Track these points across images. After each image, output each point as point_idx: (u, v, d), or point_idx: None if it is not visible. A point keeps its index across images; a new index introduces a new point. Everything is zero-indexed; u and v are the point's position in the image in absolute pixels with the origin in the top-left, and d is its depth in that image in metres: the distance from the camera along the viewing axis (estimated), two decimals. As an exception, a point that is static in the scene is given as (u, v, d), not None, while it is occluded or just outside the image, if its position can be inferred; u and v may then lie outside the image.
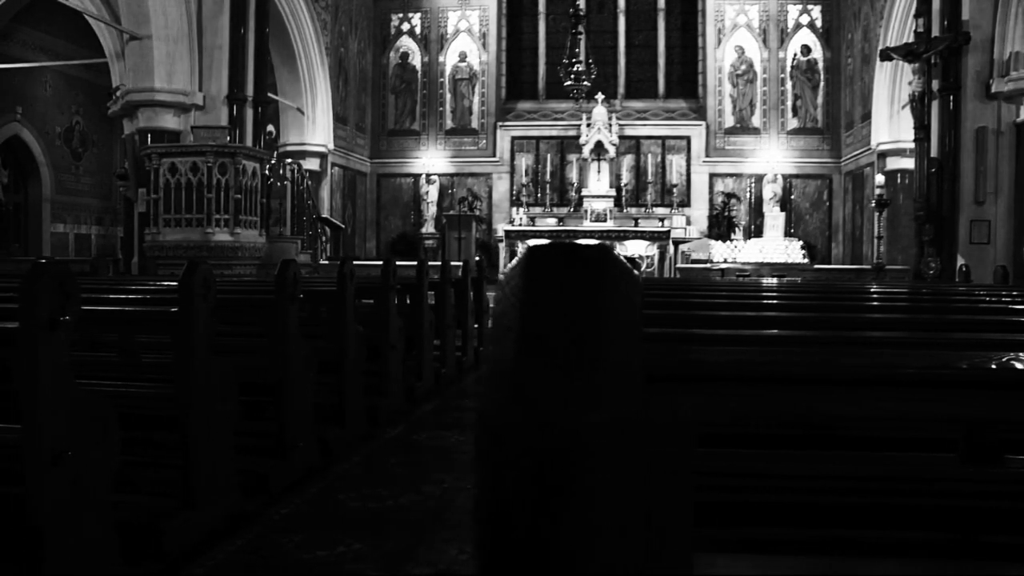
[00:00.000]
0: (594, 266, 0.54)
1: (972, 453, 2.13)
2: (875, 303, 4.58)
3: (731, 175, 17.65)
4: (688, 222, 17.31)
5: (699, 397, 0.85)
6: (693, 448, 0.95)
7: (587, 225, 15.61)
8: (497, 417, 0.55)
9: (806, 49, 17.52)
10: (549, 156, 17.95)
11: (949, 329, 3.10)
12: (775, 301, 4.63)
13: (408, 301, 6.51)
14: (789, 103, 17.60)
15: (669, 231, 14.78)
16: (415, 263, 7.03)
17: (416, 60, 18.48)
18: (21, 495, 2.46)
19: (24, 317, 2.41)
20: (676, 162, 17.64)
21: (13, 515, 2.53)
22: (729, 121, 17.74)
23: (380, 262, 8.09)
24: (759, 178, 17.37)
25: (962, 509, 2.01)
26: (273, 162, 12.40)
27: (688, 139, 17.75)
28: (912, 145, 11.99)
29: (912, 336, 2.66)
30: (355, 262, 5.38)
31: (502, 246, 14.53)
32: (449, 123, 18.43)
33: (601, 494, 0.53)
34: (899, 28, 13.60)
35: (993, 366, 1.15)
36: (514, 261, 0.60)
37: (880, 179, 12.72)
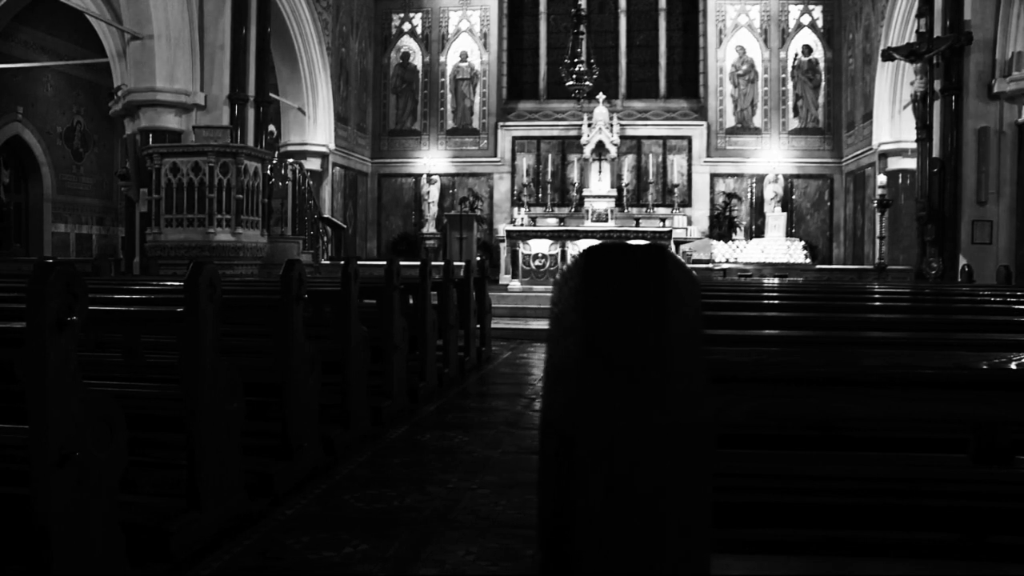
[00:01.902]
0: (655, 267, 0.53)
1: (983, 454, 2.12)
2: (882, 303, 4.57)
3: (732, 175, 17.65)
4: (689, 222, 17.30)
5: (723, 397, 0.85)
6: (714, 449, 0.94)
7: (588, 225, 15.61)
8: (564, 420, 0.54)
9: (807, 49, 17.52)
10: (550, 156, 17.95)
11: (956, 329, 3.10)
12: (777, 301, 4.63)
13: (411, 301, 6.50)
14: (790, 103, 17.59)
15: (670, 231, 14.76)
16: (417, 263, 7.02)
17: (417, 60, 18.48)
18: (28, 496, 2.46)
19: (32, 317, 2.40)
20: (677, 162, 17.63)
21: (20, 516, 2.52)
22: (730, 121, 17.73)
23: (381, 262, 8.10)
24: (760, 178, 17.36)
25: (973, 509, 2.00)
26: (274, 162, 12.41)
27: (689, 139, 17.75)
28: (913, 145, 11.98)
29: (922, 337, 2.66)
30: (357, 262, 5.37)
31: (503, 246, 14.50)
32: (450, 123, 18.43)
33: (669, 496, 0.52)
34: (900, 28, 13.60)
35: (1013, 366, 1.15)
36: (570, 261, 0.59)
37: (882, 179, 12.72)
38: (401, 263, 5.94)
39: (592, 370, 0.51)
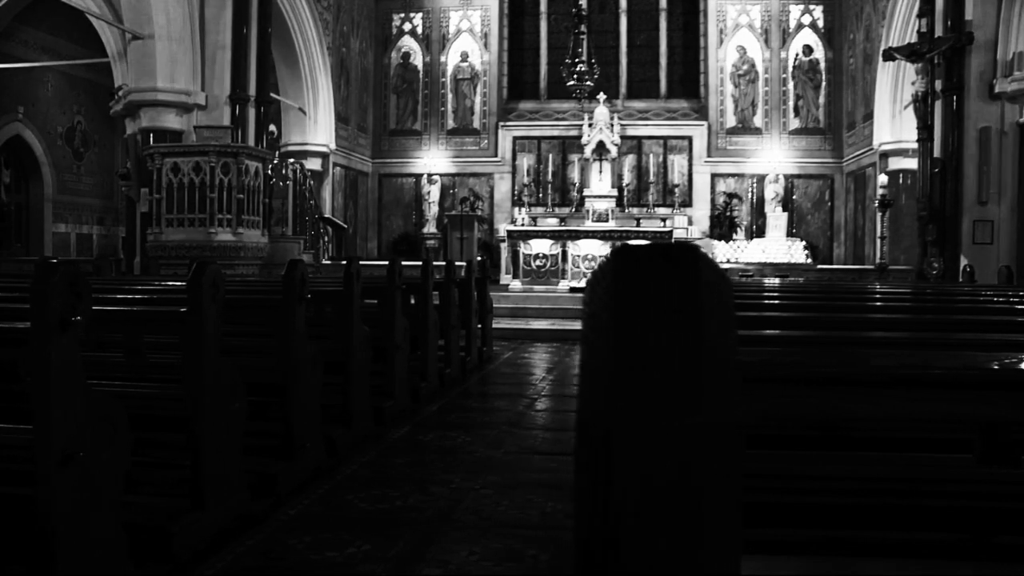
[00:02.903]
0: (689, 267, 0.53)
1: (989, 454, 2.12)
2: (885, 304, 4.57)
3: (733, 175, 17.65)
4: (690, 222, 17.30)
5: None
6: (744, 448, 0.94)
7: (589, 225, 15.60)
8: (600, 421, 0.54)
9: (808, 49, 17.52)
10: (551, 156, 17.95)
11: (959, 330, 3.09)
12: (779, 301, 4.62)
13: (412, 301, 6.50)
14: (791, 103, 17.59)
15: (671, 231, 14.76)
16: (418, 263, 7.02)
17: (418, 60, 18.47)
18: (31, 496, 2.45)
19: (35, 317, 2.40)
20: (678, 162, 17.63)
21: (24, 516, 2.52)
22: (731, 121, 17.73)
23: (382, 262, 8.11)
24: (761, 178, 17.36)
25: (978, 510, 2.00)
26: (275, 162, 12.40)
27: (690, 139, 17.75)
28: (914, 145, 11.98)
29: (926, 337, 2.66)
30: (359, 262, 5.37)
31: (504, 246, 14.50)
32: (451, 123, 18.42)
33: (705, 495, 0.52)
34: (901, 28, 13.59)
35: (1023, 366, 1.14)
36: (603, 260, 0.59)
37: (883, 179, 12.71)
38: (402, 263, 5.93)
39: (627, 371, 0.51)
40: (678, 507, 0.53)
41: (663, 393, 0.51)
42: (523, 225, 15.58)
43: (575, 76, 15.50)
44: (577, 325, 10.96)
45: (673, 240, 14.42)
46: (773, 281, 9.73)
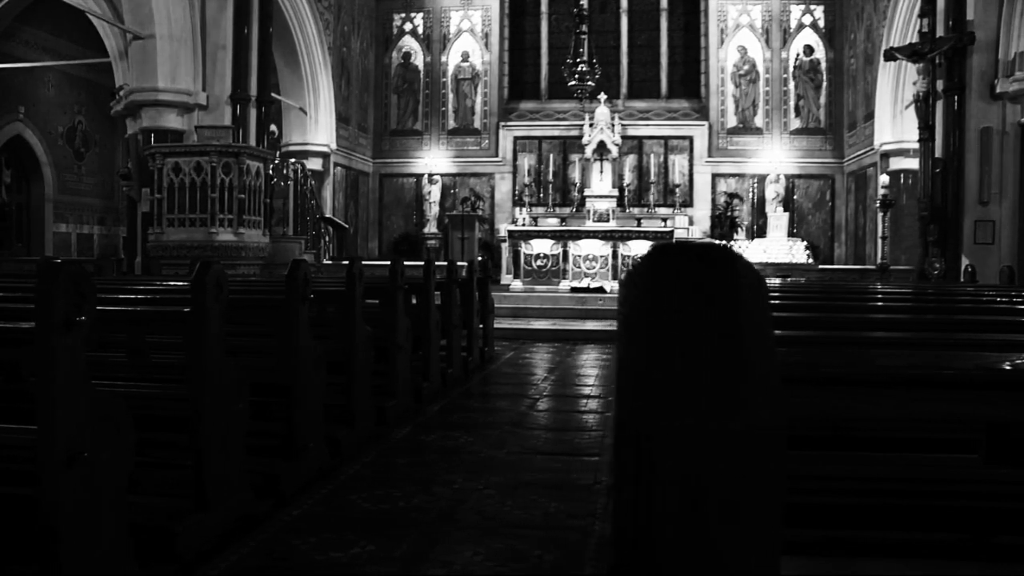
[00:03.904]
0: (727, 268, 0.53)
1: (995, 454, 2.11)
2: (890, 304, 4.57)
3: (734, 175, 17.64)
4: (691, 222, 17.30)
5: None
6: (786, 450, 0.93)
7: (590, 225, 15.59)
8: (641, 424, 0.54)
9: (809, 49, 17.51)
10: (552, 156, 17.95)
11: (967, 330, 3.09)
12: (779, 302, 4.62)
13: (414, 301, 6.50)
14: (792, 103, 17.59)
15: (672, 231, 14.74)
16: (421, 263, 7.02)
17: (418, 60, 18.47)
18: (36, 496, 2.45)
19: (40, 318, 2.40)
20: (679, 162, 17.63)
21: (27, 516, 2.52)
22: (732, 121, 17.73)
23: (383, 262, 8.10)
24: (762, 178, 17.35)
25: (980, 510, 1.99)
26: (276, 162, 12.40)
27: (691, 139, 17.74)
28: (915, 145, 11.97)
29: (933, 337, 2.65)
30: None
31: (505, 246, 14.49)
32: (451, 123, 18.42)
33: (747, 498, 0.52)
34: (902, 28, 13.59)
35: (1035, 368, 1.14)
36: (639, 260, 0.59)
37: (884, 179, 12.71)
38: (404, 263, 5.93)
39: (670, 374, 0.51)
40: (719, 509, 0.52)
41: (706, 396, 0.51)
42: (524, 225, 15.57)
43: (576, 76, 15.49)
44: (578, 325, 10.94)
45: (674, 240, 14.42)
46: (775, 281, 9.72)
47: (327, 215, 15.40)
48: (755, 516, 0.53)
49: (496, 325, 9.55)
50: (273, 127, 13.48)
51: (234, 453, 3.39)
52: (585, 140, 17.10)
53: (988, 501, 2.02)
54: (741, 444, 0.51)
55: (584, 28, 15.67)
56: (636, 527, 0.54)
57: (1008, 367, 1.13)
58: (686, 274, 0.52)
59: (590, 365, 8.51)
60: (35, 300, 2.41)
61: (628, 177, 17.72)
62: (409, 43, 18.51)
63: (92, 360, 3.61)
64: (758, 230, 17.21)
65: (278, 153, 13.49)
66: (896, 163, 14.29)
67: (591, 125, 17.05)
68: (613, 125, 17.01)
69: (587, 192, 17.04)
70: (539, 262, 13.83)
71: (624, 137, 17.34)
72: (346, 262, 5.71)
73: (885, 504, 2.06)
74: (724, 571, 0.52)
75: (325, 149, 15.95)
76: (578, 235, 14.16)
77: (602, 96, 16.86)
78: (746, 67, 17.65)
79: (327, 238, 14.84)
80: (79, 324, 2.44)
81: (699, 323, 0.51)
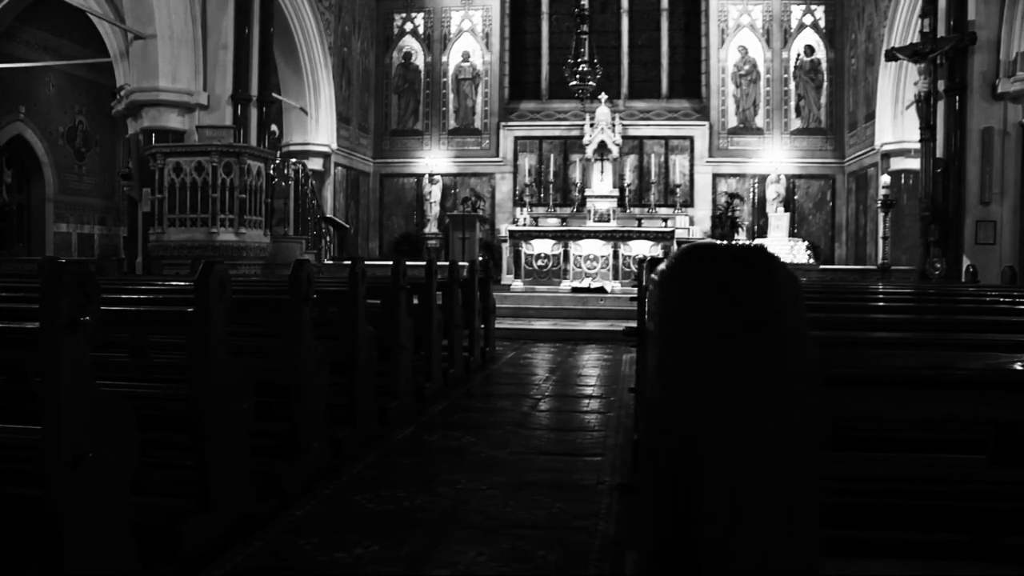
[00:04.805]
0: (764, 268, 0.52)
1: (1002, 454, 2.11)
2: (894, 304, 4.56)
3: (734, 175, 17.64)
4: (691, 222, 17.29)
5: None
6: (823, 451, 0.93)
7: (591, 225, 15.59)
8: (682, 424, 0.53)
9: (809, 49, 17.51)
10: (552, 156, 17.94)
11: (969, 330, 3.09)
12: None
13: (415, 301, 6.49)
14: (792, 103, 17.58)
15: (673, 231, 14.73)
16: (423, 263, 7.01)
17: (419, 60, 18.47)
18: (40, 496, 2.45)
19: (45, 317, 2.39)
20: (679, 162, 17.62)
21: (31, 517, 2.51)
22: (732, 121, 17.72)
23: (384, 262, 8.09)
24: (762, 178, 17.35)
25: (981, 510, 1.99)
26: (277, 162, 12.40)
27: (691, 139, 17.74)
28: (916, 145, 11.97)
29: (944, 338, 2.65)
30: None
31: (505, 246, 14.50)
32: (452, 123, 18.42)
33: (790, 499, 0.51)
34: (903, 28, 13.58)
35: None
36: (671, 259, 0.58)
37: (885, 179, 12.70)
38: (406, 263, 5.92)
39: (709, 376, 0.50)
40: (761, 511, 0.52)
41: (747, 396, 0.51)
42: (525, 225, 15.57)
43: (577, 76, 15.48)
44: (579, 325, 10.93)
45: (675, 240, 14.42)
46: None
47: (328, 215, 15.39)
48: (797, 516, 0.53)
49: (497, 325, 9.54)
50: (274, 127, 13.48)
51: (237, 453, 3.38)
52: (586, 140, 17.10)
53: (994, 502, 2.01)
54: (783, 444, 0.51)
55: (585, 28, 15.66)
56: (676, 528, 0.54)
57: (1020, 367, 1.13)
58: (723, 274, 0.52)
59: (591, 365, 8.51)
60: (40, 300, 2.41)
61: (629, 177, 17.71)
62: (410, 43, 18.50)
63: (94, 360, 3.61)
64: (759, 230, 17.20)
65: (279, 153, 13.49)
66: (897, 163, 14.28)
67: (592, 125, 17.05)
68: (614, 125, 17.00)
69: (588, 192, 17.04)
70: (540, 262, 13.84)
71: (625, 137, 17.33)
72: (347, 262, 5.70)
73: (887, 504, 2.05)
74: (766, 572, 0.52)
75: (326, 149, 15.95)
76: (579, 235, 14.16)
77: (603, 96, 16.86)
78: (747, 67, 17.65)
79: (328, 238, 14.84)
80: (83, 324, 2.44)
81: (738, 325, 0.51)
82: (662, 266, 0.58)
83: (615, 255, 13.87)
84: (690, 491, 0.52)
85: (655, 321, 0.56)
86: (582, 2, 15.87)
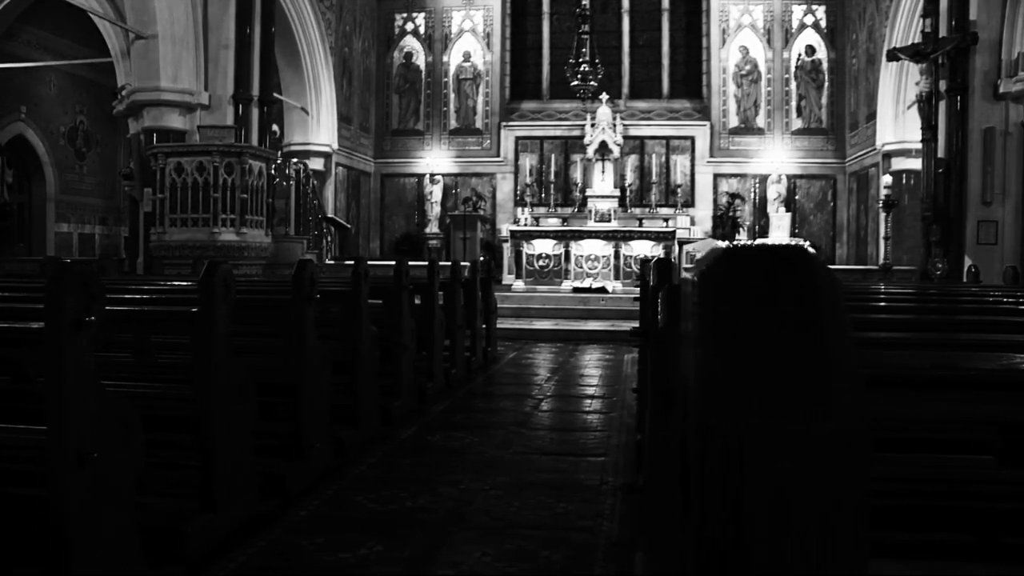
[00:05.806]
0: (808, 270, 0.52)
1: (1010, 455, 2.10)
2: (896, 304, 4.56)
3: (735, 175, 17.63)
4: (692, 222, 17.28)
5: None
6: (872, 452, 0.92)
7: (592, 225, 15.59)
8: (730, 427, 0.53)
9: (810, 49, 17.50)
10: (553, 156, 17.93)
11: (971, 330, 3.08)
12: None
13: (417, 301, 6.49)
14: (793, 103, 17.57)
15: (674, 231, 14.73)
16: (425, 263, 7.01)
17: (420, 60, 18.46)
18: (45, 497, 2.44)
19: (50, 317, 2.39)
20: (680, 162, 17.61)
21: (38, 517, 2.51)
22: (733, 121, 17.72)
23: (386, 262, 8.09)
24: (763, 178, 17.34)
25: (994, 511, 1.98)
26: (278, 162, 12.39)
27: (692, 139, 17.73)
28: (918, 145, 11.96)
29: (948, 338, 2.64)
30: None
31: (507, 246, 14.50)
32: (453, 123, 18.41)
33: (837, 501, 0.51)
34: (904, 28, 13.57)
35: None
36: (709, 260, 0.58)
37: (887, 179, 12.70)
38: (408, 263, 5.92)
39: (755, 379, 0.50)
40: (810, 513, 0.52)
41: (795, 399, 0.51)
42: (526, 225, 15.57)
43: (579, 76, 15.48)
44: (580, 325, 10.92)
45: (676, 240, 14.42)
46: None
47: (329, 215, 15.39)
48: (845, 517, 0.52)
49: (498, 325, 9.54)
50: (275, 127, 13.48)
51: (241, 454, 3.38)
52: (587, 140, 17.10)
53: (1000, 502, 2.01)
54: (832, 446, 0.51)
55: (586, 28, 15.66)
56: (725, 532, 0.54)
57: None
58: (766, 275, 0.52)
59: (593, 365, 8.51)
60: (45, 300, 2.40)
61: (630, 177, 17.71)
62: (411, 43, 18.50)
63: (98, 360, 3.61)
64: (760, 230, 17.19)
65: (280, 153, 13.49)
66: (898, 163, 14.27)
67: (593, 125, 17.04)
68: (615, 125, 17.00)
69: (589, 192, 17.04)
70: (541, 262, 13.83)
71: (626, 137, 17.32)
72: (349, 262, 5.70)
73: (888, 505, 2.05)
74: (816, 573, 0.52)
75: (327, 149, 15.94)
76: (580, 235, 14.15)
77: (604, 96, 16.85)
78: (748, 67, 17.64)
79: (329, 238, 14.84)
80: (88, 324, 2.44)
81: (783, 327, 0.51)
82: (700, 267, 0.58)
83: (616, 255, 13.87)
84: (736, 493, 0.52)
85: (693, 323, 0.55)
86: (583, 2, 15.86)
